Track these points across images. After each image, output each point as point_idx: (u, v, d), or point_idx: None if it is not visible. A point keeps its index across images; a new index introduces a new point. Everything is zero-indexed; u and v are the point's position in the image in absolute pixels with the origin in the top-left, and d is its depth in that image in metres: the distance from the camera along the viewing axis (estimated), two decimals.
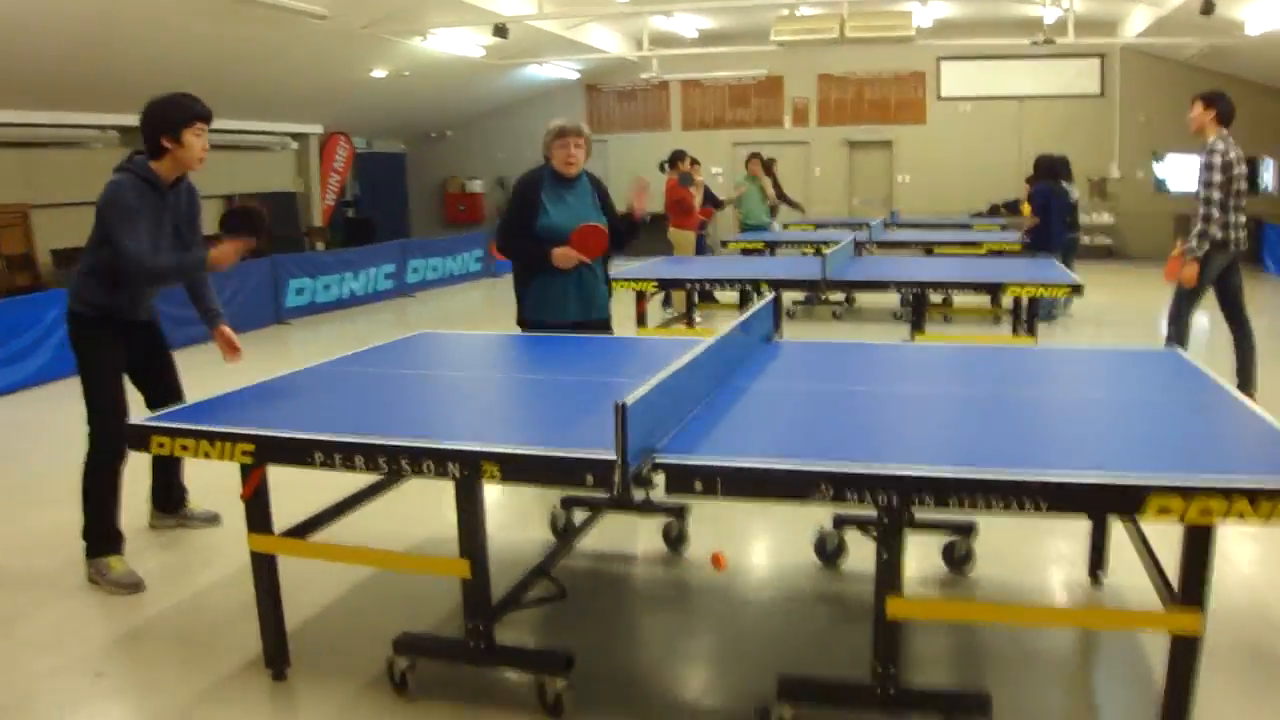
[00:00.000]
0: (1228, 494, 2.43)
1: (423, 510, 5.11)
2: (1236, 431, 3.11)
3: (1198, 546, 2.69)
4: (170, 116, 4.41)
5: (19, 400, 8.44)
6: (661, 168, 12.93)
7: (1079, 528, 4.47)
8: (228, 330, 4.82)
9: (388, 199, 21.70)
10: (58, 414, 7.70)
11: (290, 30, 11.96)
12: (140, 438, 3.31)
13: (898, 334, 8.86)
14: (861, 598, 4.13)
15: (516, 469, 2.88)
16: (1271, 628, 3.91)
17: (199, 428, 3.22)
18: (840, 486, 2.65)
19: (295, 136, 17.57)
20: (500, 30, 13.33)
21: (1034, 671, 3.63)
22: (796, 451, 2.84)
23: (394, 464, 2.99)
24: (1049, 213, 10.85)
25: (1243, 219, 6.98)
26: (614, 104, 20.96)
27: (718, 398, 3.48)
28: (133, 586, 4.41)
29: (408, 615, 3.96)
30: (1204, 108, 7.00)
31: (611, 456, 2.64)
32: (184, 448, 3.23)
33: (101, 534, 4.52)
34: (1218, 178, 6.79)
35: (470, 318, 13.31)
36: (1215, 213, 6.79)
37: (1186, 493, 2.46)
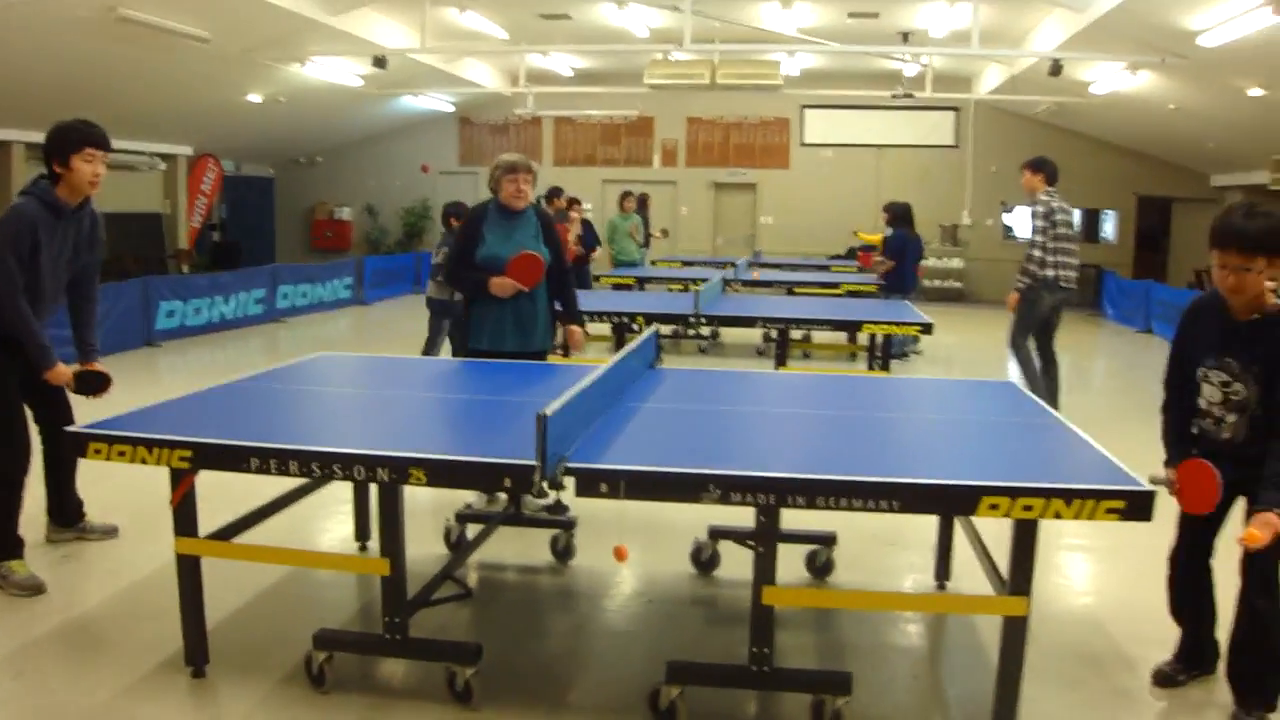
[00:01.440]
0: (1046, 494, 2.95)
1: (320, 521, 5.40)
2: (1058, 448, 3.67)
3: (1023, 541, 3.19)
4: (60, 142, 4.55)
5: None
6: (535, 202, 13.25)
7: (926, 541, 4.98)
8: (98, 367, 4.91)
9: (254, 223, 21.54)
10: None
11: (170, 51, 12.02)
12: (78, 444, 3.52)
13: (762, 368, 9.37)
14: (734, 601, 4.60)
15: (442, 473, 3.21)
16: (1091, 627, 4.46)
17: (137, 435, 3.45)
18: (726, 488, 3.06)
19: (164, 157, 17.39)
20: (380, 61, 13.58)
21: (888, 658, 4.14)
22: (686, 460, 3.26)
23: (325, 469, 3.28)
24: (904, 257, 11.56)
25: (1073, 262, 8.14)
26: (487, 137, 21.28)
27: (613, 415, 3.87)
28: (34, 589, 4.55)
29: (315, 617, 4.19)
30: (1031, 173, 8.38)
31: (529, 462, 3.00)
32: (121, 453, 3.45)
33: (2, 541, 4.64)
34: (1039, 224, 8.15)
35: (341, 344, 13.39)
36: (1036, 253, 8.11)
37: (1013, 492, 2.96)
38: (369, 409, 4.37)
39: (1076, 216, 8.21)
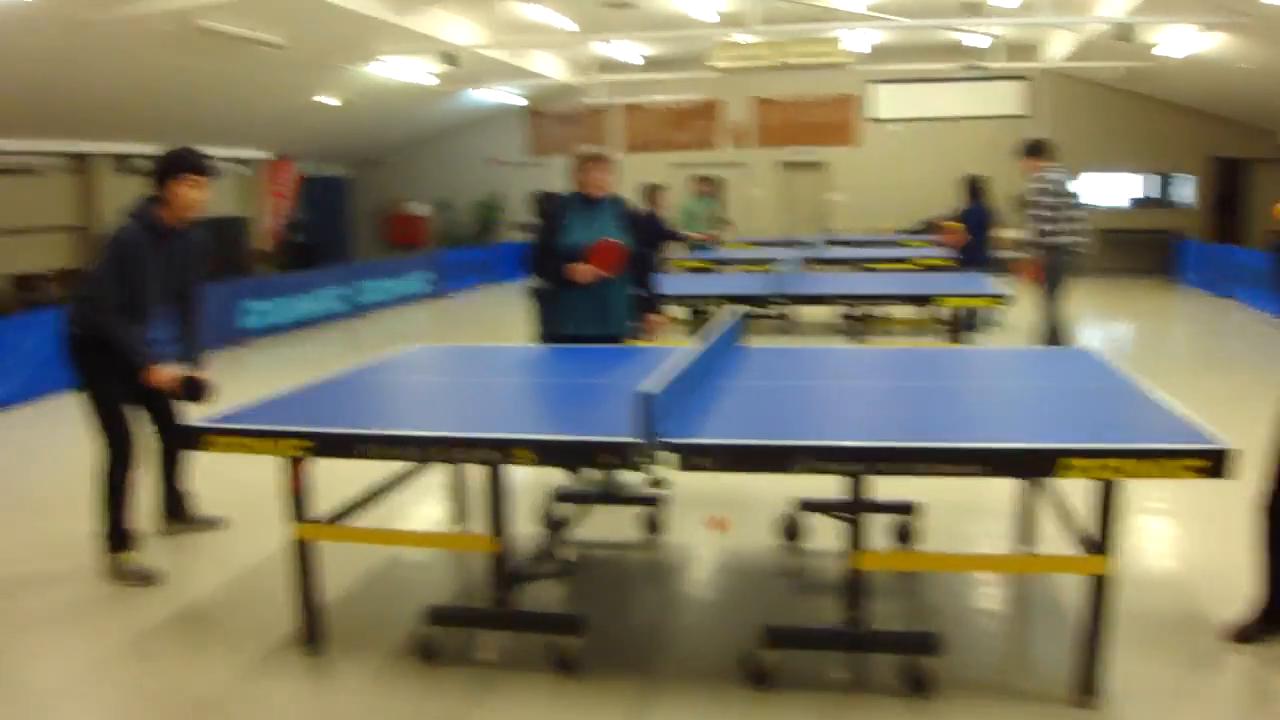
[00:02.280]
0: (1127, 454, 3.05)
1: (415, 507, 5.67)
2: (1139, 410, 3.75)
3: (1107, 502, 3.28)
4: (165, 167, 4.79)
5: None
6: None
7: (1005, 510, 5.05)
8: (202, 375, 5.07)
9: (332, 223, 21.96)
10: (33, 431, 8.03)
11: (247, 59, 12.33)
12: (199, 439, 3.74)
13: (840, 344, 9.47)
14: (821, 571, 4.73)
15: (548, 453, 3.39)
16: (1173, 590, 4.52)
17: (258, 427, 3.66)
18: (818, 458, 3.20)
19: (244, 161, 17.85)
20: (450, 58, 13.79)
21: (975, 621, 4.27)
22: (778, 433, 3.40)
23: (435, 454, 3.47)
24: (981, 231, 11.52)
25: (1083, 228, 8.91)
26: (556, 128, 21.43)
27: (704, 393, 4.01)
28: (147, 579, 4.83)
29: (418, 597, 4.40)
30: (1029, 158, 9.01)
31: (631, 439, 3.16)
32: (244, 445, 3.67)
33: (117, 533, 4.91)
34: (1045, 199, 8.76)
35: (424, 337, 13.65)
36: (1047, 226, 8.72)
37: (1095, 454, 3.06)
38: (469, 395, 4.56)
39: (1074, 187, 9.06)
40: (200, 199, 4.85)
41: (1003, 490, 4.92)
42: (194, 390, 4.90)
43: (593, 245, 5.47)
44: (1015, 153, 9.26)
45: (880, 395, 4.32)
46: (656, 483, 5.33)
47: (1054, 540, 4.24)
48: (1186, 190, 19.44)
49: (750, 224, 19.76)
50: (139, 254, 4.75)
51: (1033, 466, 3.32)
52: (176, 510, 5.53)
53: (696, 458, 3.23)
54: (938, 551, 4.87)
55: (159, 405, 5.13)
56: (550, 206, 5.78)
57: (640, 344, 5.62)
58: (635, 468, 3.16)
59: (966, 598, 4.45)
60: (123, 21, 10.23)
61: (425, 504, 5.83)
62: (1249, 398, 8.06)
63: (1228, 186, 19.25)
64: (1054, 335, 9.02)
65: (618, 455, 3.27)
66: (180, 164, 4.79)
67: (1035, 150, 9.03)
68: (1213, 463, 3.01)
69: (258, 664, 3.97)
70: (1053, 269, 8.87)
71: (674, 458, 3.21)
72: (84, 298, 4.89)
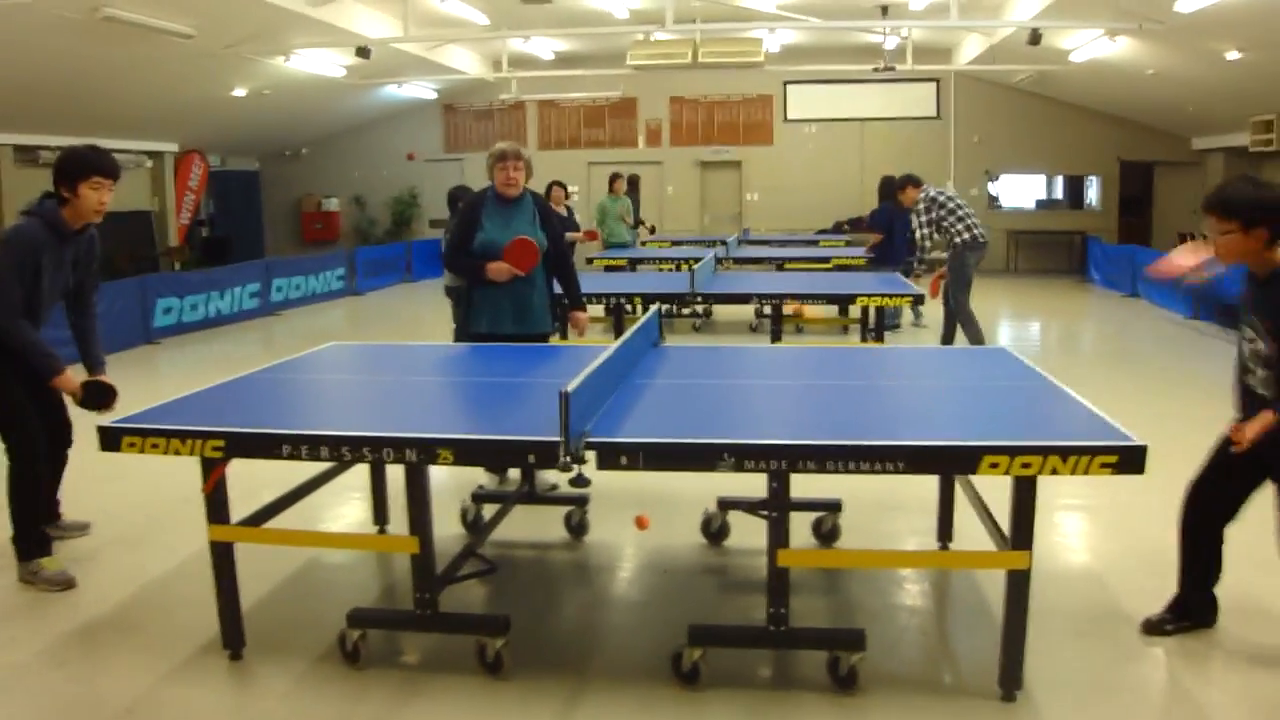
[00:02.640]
0: (1043, 450, 3.13)
1: (336, 509, 5.60)
2: (1052, 408, 3.86)
3: (1023, 497, 3.35)
4: (69, 168, 4.59)
5: None
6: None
7: (926, 507, 5.13)
8: (105, 379, 4.89)
9: (242, 217, 21.57)
10: None
11: (155, 49, 12.04)
12: (113, 439, 3.64)
13: (757, 344, 9.56)
14: (745, 569, 4.78)
15: (469, 452, 3.36)
16: (1090, 583, 4.64)
17: (171, 427, 3.58)
18: (741, 456, 3.23)
19: (150, 154, 17.43)
20: (363, 51, 13.62)
21: (897, 616, 4.31)
22: (698, 431, 3.43)
23: (355, 453, 3.43)
24: (892, 231, 11.70)
25: (978, 220, 9.79)
26: (471, 123, 21.32)
27: (624, 392, 4.02)
28: (65, 584, 4.67)
29: (341, 599, 4.32)
30: (902, 190, 10.29)
31: (553, 438, 3.15)
32: (155, 445, 3.58)
33: (31, 538, 4.76)
34: (928, 215, 9.74)
35: (339, 335, 13.41)
36: (927, 242, 9.78)
37: (1012, 450, 3.14)
38: (387, 394, 4.50)
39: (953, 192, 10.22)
40: (106, 202, 4.67)
41: (923, 487, 5.00)
42: (98, 395, 4.70)
43: (508, 244, 5.46)
44: (897, 191, 10.49)
45: (801, 394, 4.37)
46: (578, 482, 5.37)
47: (974, 536, 4.33)
48: (1093, 192, 19.98)
49: (667, 223, 19.87)
50: (39, 255, 4.57)
51: (953, 464, 3.40)
52: (47, 516, 5.21)
53: (617, 456, 3.23)
54: (860, 549, 4.94)
55: (51, 408, 4.91)
56: (466, 204, 5.74)
57: (561, 342, 5.61)
58: (557, 467, 3.16)
59: (890, 594, 4.51)
60: (23, 8, 9.90)
61: (346, 505, 5.75)
62: (1158, 394, 8.32)
63: (1136, 189, 19.83)
64: (964, 333, 9.53)
65: (539, 455, 3.26)
66: (87, 166, 4.59)
67: (905, 182, 10.23)
68: (1126, 459, 3.10)
69: (178, 670, 3.88)
70: (959, 264, 9.58)
71: (594, 457, 3.21)
72: None
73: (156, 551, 5.13)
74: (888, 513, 5.52)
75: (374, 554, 5.00)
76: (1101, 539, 5.28)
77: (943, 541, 4.95)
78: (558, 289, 5.90)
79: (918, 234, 9.82)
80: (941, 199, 9.77)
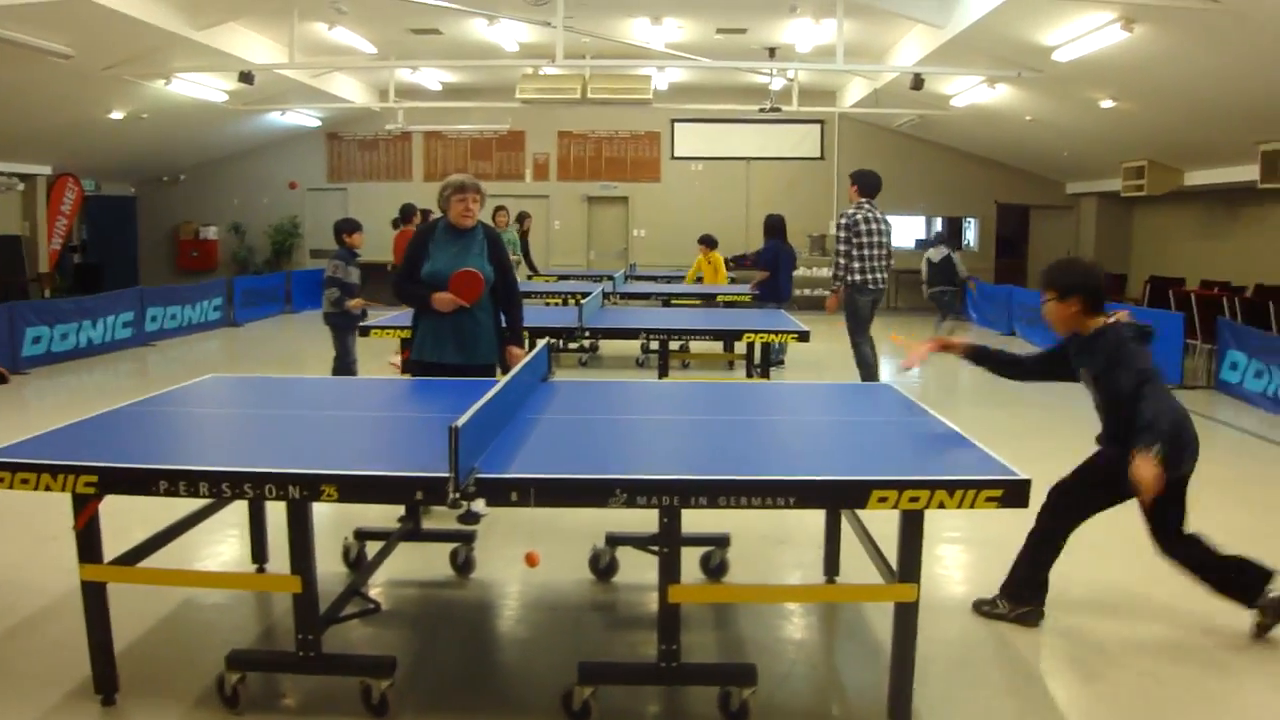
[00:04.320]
0: (930, 485, 3.19)
1: (212, 546, 5.41)
2: (937, 443, 3.94)
3: (910, 530, 3.41)
4: None
5: None
6: (394, 224, 13.29)
7: (814, 540, 5.19)
8: None
9: (117, 244, 20.89)
10: None
11: (31, 68, 11.64)
12: None
13: (644, 378, 9.58)
14: (634, 605, 4.76)
15: (353, 489, 3.29)
16: (971, 613, 4.73)
17: (40, 461, 3.43)
18: (633, 491, 3.22)
19: (22, 177, 16.79)
20: (246, 77, 13.36)
21: (786, 651, 4.33)
22: (589, 466, 3.42)
23: (235, 489, 3.33)
24: (778, 268, 11.85)
25: (880, 265, 9.37)
26: (356, 152, 21.07)
27: (513, 427, 3.98)
28: None
29: (219, 640, 4.18)
30: (851, 185, 9.55)
31: (441, 474, 3.10)
32: (24, 481, 3.42)
33: None
34: (842, 235, 9.30)
35: (215, 367, 13.09)
36: (841, 260, 9.27)
37: (900, 485, 3.20)
38: (268, 429, 4.37)
39: (891, 226, 9.78)
40: None
41: (809, 520, 5.05)
42: None
43: (453, 275, 5.47)
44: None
45: (690, 429, 4.37)
46: (467, 518, 5.30)
47: (860, 569, 4.38)
48: (970, 234, 20.61)
49: (554, 257, 19.86)
50: None
51: (843, 498, 3.44)
52: None
53: (507, 493, 3.19)
54: (749, 583, 4.96)
55: None
56: (416, 232, 5.77)
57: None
58: (447, 504, 3.10)
59: (779, 628, 4.53)
60: None
61: (223, 543, 5.57)
62: (1034, 431, 8.55)
63: (1012, 230, 20.52)
64: (864, 364, 9.51)
65: (427, 491, 3.20)
66: None
67: (857, 179, 9.56)
68: (1011, 493, 3.18)
69: (46, 716, 3.68)
70: (851, 303, 9.39)
71: (482, 493, 3.17)
72: None
73: (24, 591, 4.89)
74: (774, 546, 5.57)
75: (253, 594, 4.85)
76: (984, 570, 5.36)
77: (829, 575, 5.01)
78: None
79: (839, 248, 9.32)
80: (861, 226, 9.25)
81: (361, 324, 8.44)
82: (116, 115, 15.10)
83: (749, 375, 10.08)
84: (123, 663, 3.86)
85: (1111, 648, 4.30)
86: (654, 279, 15.75)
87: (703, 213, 19.99)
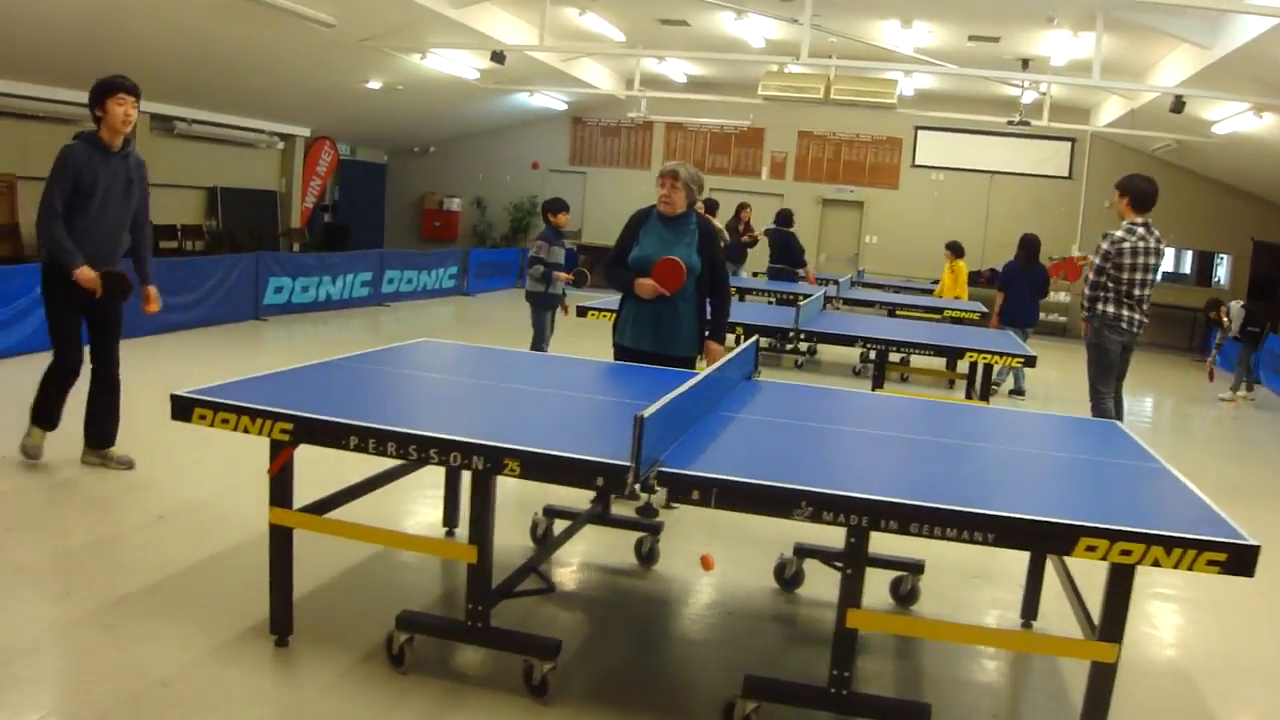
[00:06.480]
0: (1146, 539, 2.86)
1: (408, 505, 5.55)
2: (1160, 494, 3.57)
3: (1118, 585, 3.10)
4: (97, 91, 5.40)
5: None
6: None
7: (1013, 578, 4.86)
8: (152, 290, 5.87)
9: (365, 208, 21.94)
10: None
11: (295, 35, 12.27)
12: (184, 409, 3.60)
13: (858, 388, 9.27)
14: (815, 621, 4.56)
15: (536, 467, 3.23)
16: (1178, 680, 4.33)
17: (242, 404, 3.53)
18: (819, 506, 3.03)
19: (282, 137, 17.83)
20: (497, 56, 13.71)
21: (968, 693, 4.05)
22: (780, 474, 3.22)
23: (422, 453, 3.32)
24: (1011, 289, 11.24)
25: (1144, 301, 7.24)
26: (598, 138, 21.40)
27: (708, 423, 3.85)
28: (34, 457, 5.73)
29: (398, 599, 4.26)
30: (1119, 195, 7.31)
31: (623, 462, 3.01)
32: (224, 420, 3.53)
33: (44, 412, 5.72)
34: (1098, 261, 7.23)
35: (443, 332, 13.53)
36: (1088, 291, 7.31)
37: (1112, 535, 2.88)
38: (469, 397, 4.41)
39: (1165, 252, 7.55)
40: (131, 115, 5.44)
41: (1014, 557, 4.73)
42: (114, 283, 5.48)
43: (656, 262, 5.41)
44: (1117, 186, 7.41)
45: (893, 446, 4.12)
46: (645, 512, 5.23)
47: (1061, 615, 4.06)
48: (1222, 270, 19.23)
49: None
50: (81, 167, 5.33)
51: (1046, 541, 3.15)
52: (94, 442, 5.89)
53: (688, 490, 3.07)
54: (938, 617, 4.69)
55: (104, 331, 5.73)
56: (631, 218, 5.71)
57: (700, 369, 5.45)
58: (625, 494, 3.01)
59: (962, 667, 4.25)
60: None
61: (420, 503, 5.69)
62: (1274, 491, 7.85)
63: (1268, 270, 19.01)
64: (1103, 408, 7.44)
65: (607, 479, 3.11)
66: (110, 84, 5.39)
67: (1128, 189, 7.24)
68: (1236, 558, 2.82)
69: (221, 648, 3.82)
70: (1098, 343, 7.36)
71: (663, 488, 3.06)
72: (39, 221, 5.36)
73: (224, 525, 5.12)
74: (972, 580, 5.26)
75: (438, 559, 4.91)
76: (1195, 636, 4.94)
77: (1026, 619, 4.68)
78: None
79: (1089, 275, 7.39)
80: (1126, 259, 7.11)
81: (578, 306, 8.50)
82: (373, 85, 15.80)
83: (968, 396, 9.64)
84: (300, 608, 3.97)
85: None
86: (881, 287, 15.35)
87: (939, 224, 19.33)
